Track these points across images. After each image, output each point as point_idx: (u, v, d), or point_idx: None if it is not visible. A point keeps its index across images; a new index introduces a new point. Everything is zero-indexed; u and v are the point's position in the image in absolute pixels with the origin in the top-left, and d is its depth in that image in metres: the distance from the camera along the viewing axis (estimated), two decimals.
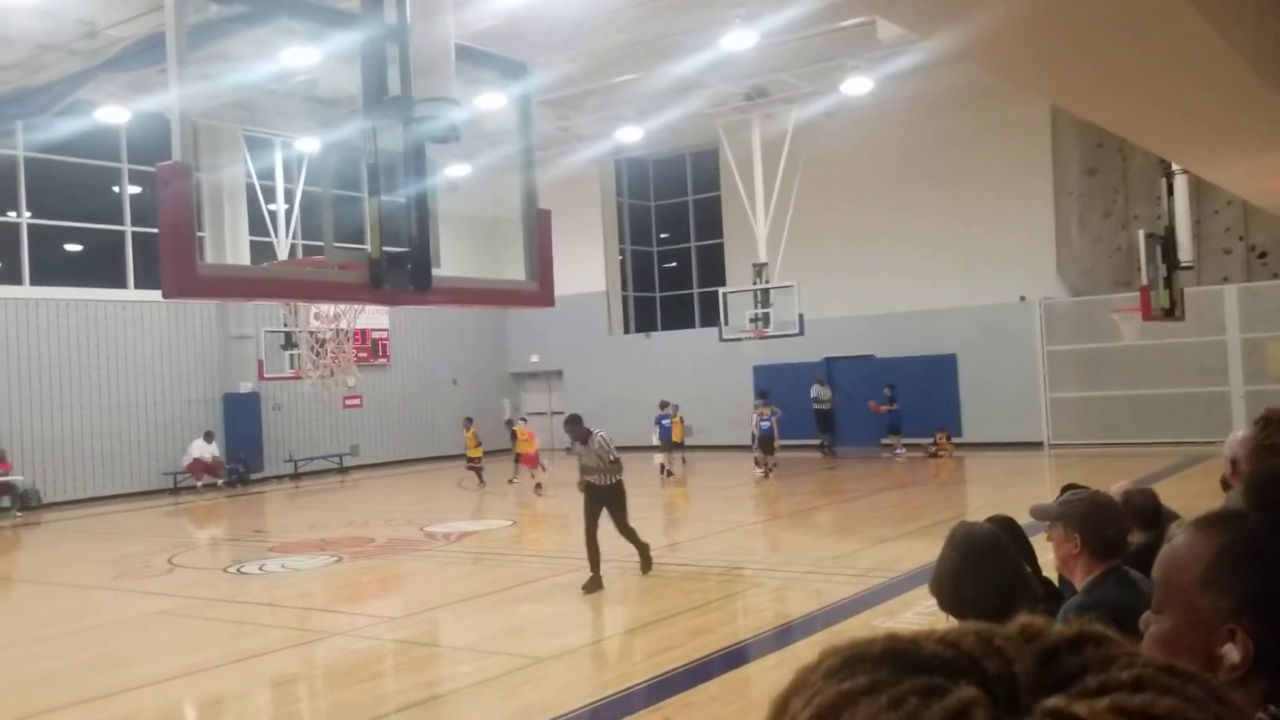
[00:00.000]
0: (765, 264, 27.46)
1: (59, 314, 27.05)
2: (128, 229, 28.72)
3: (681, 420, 27.96)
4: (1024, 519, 4.38)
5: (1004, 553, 3.90)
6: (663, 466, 27.13)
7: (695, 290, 37.82)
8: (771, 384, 29.15)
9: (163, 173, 4.42)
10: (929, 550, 5.46)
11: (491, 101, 21.99)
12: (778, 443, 25.57)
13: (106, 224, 28.68)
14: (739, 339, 27.68)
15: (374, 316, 31.53)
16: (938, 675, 0.70)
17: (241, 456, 29.99)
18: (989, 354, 29.55)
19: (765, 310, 26.80)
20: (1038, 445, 28.78)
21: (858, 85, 26.63)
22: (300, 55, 21.44)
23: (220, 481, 29.16)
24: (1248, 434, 4.79)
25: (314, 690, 10.50)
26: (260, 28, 17.70)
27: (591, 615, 12.54)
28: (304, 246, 28.89)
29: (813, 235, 30.33)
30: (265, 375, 28.27)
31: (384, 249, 5.01)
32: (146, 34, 19.03)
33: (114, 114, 25.07)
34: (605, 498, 13.60)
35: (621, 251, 38.33)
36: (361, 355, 29.25)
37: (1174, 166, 18.81)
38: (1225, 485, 5.68)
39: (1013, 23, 7.34)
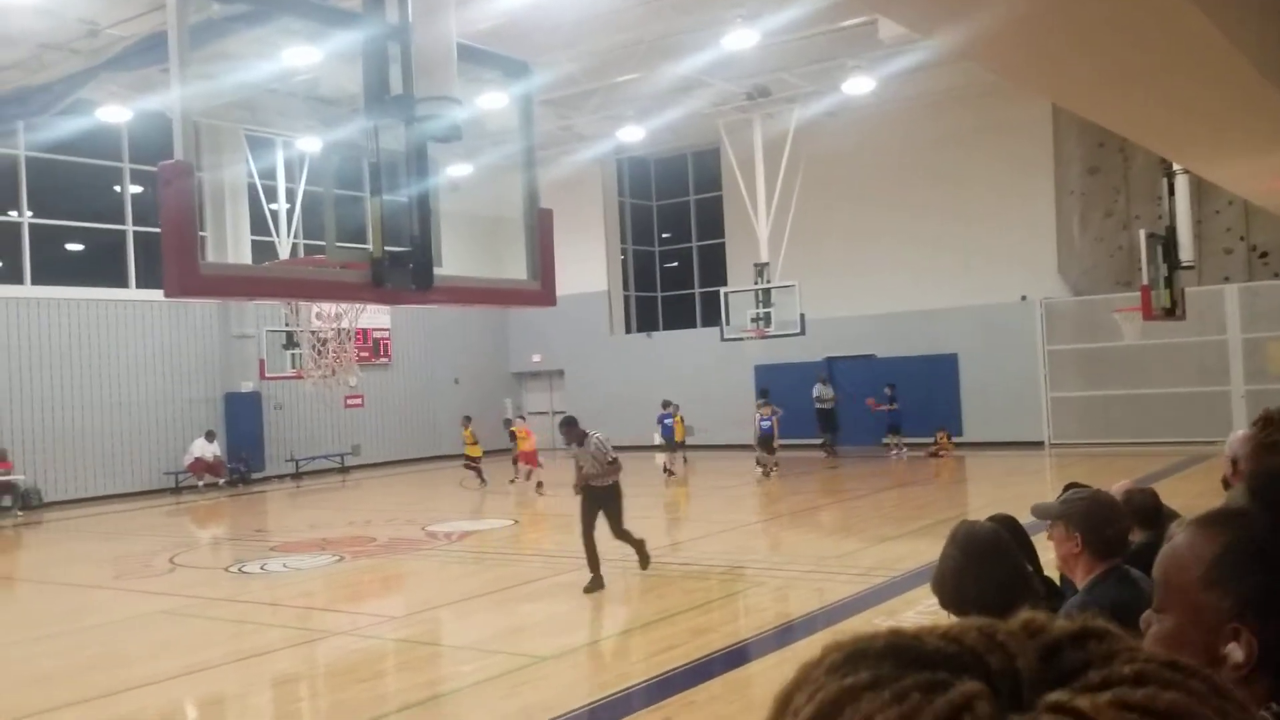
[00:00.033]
0: (767, 264, 27.47)
1: (60, 314, 27.06)
2: (129, 228, 28.73)
3: (682, 420, 27.97)
4: (1025, 518, 4.39)
5: (1006, 551, 3.90)
6: (666, 467, 27.13)
7: (697, 290, 37.82)
8: (773, 384, 29.14)
9: (165, 172, 4.42)
10: (930, 549, 5.46)
11: (493, 101, 22.00)
12: (778, 442, 25.57)
13: (108, 223, 28.69)
14: (740, 339, 27.69)
15: (375, 316, 31.53)
16: (941, 670, 0.70)
17: (243, 456, 30.00)
18: (990, 354, 29.55)
19: (767, 310, 26.81)
20: (1039, 445, 28.78)
21: (859, 85, 26.63)
22: (302, 54, 21.43)
23: (222, 481, 29.16)
24: (1248, 433, 4.80)
25: (315, 689, 10.51)
26: (262, 27, 17.69)
27: (593, 614, 12.54)
28: (305, 246, 28.89)
29: (814, 235, 30.35)
30: (267, 375, 28.29)
31: (386, 248, 5.02)
32: (148, 33, 19.03)
33: (115, 113, 25.06)
34: (602, 499, 13.55)
35: (623, 251, 38.33)
36: (363, 355, 29.27)
37: (1175, 166, 18.80)
38: (1226, 484, 5.68)
39: (1014, 22, 7.33)
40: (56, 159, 27.22)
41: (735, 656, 10.10)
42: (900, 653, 0.73)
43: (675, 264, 39.23)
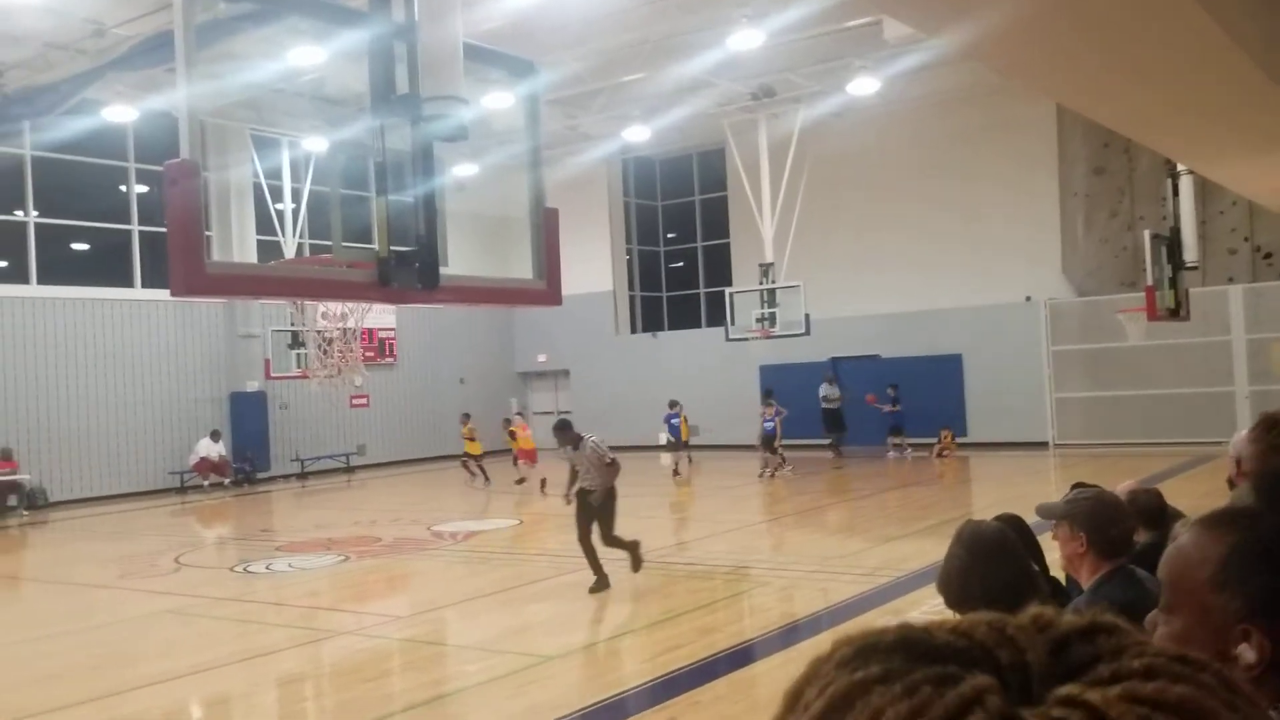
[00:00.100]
0: (772, 264, 27.46)
1: (66, 313, 27.08)
2: (134, 228, 28.75)
3: (686, 420, 27.96)
4: (1030, 518, 4.39)
5: (1011, 551, 3.90)
6: (676, 467, 27.13)
7: (702, 290, 37.82)
8: (778, 384, 29.14)
9: (171, 171, 4.44)
10: (936, 549, 5.46)
11: (499, 100, 22.00)
12: (779, 442, 25.53)
13: (113, 223, 28.71)
14: (745, 339, 27.68)
15: (381, 316, 31.51)
16: (951, 664, 0.70)
17: (248, 456, 30.02)
18: (995, 354, 29.52)
19: (771, 310, 26.79)
20: (1043, 445, 28.76)
21: (864, 85, 26.61)
22: (308, 54, 21.44)
23: (227, 481, 29.17)
24: (1252, 435, 4.79)
25: (320, 689, 10.52)
26: (268, 26, 17.72)
27: (598, 614, 12.53)
28: (311, 246, 28.92)
29: (819, 235, 30.36)
30: (272, 374, 28.33)
31: (392, 248, 5.03)
32: (154, 33, 19.03)
33: (121, 113, 25.06)
34: (597, 504, 13.40)
35: (628, 251, 38.30)
36: (368, 354, 29.29)
37: (1179, 167, 18.82)
38: (1231, 485, 5.68)
39: (1019, 21, 7.34)
40: (62, 159, 27.23)
41: (740, 656, 10.10)
42: (910, 647, 0.73)
43: (680, 264, 39.23)
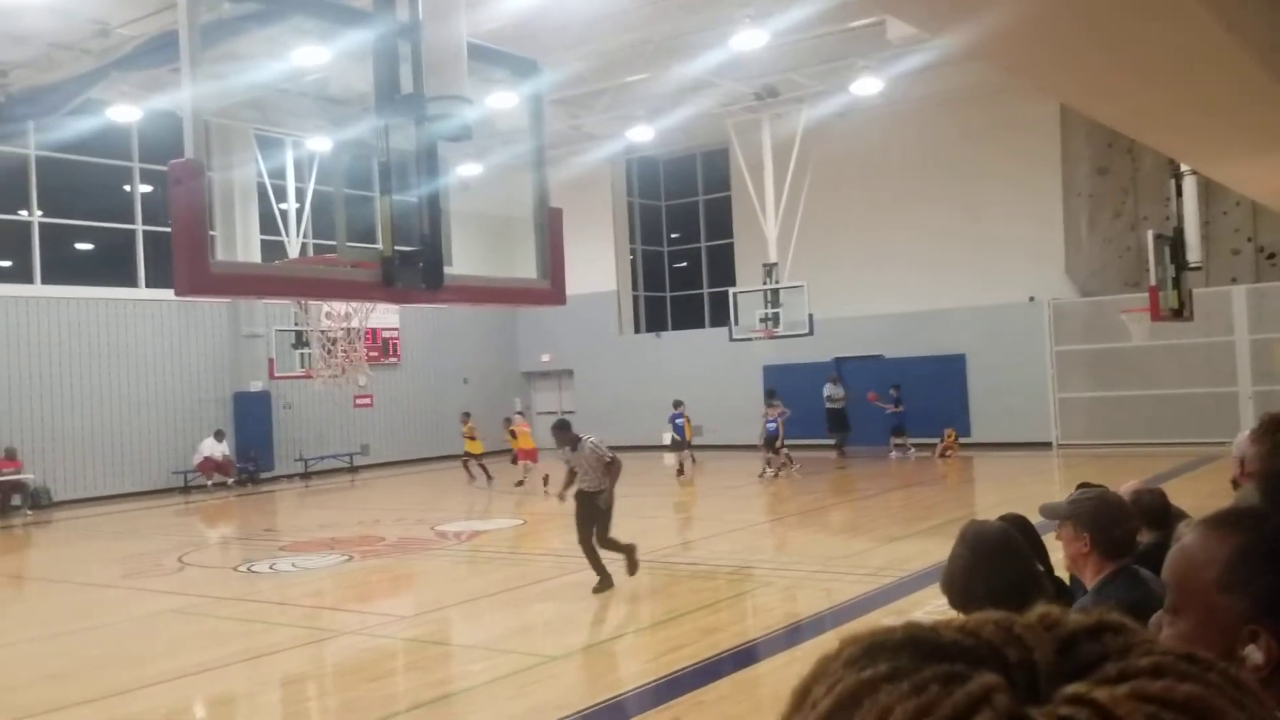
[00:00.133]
0: (775, 264, 27.49)
1: (70, 313, 27.10)
2: (139, 228, 28.77)
3: (689, 420, 27.95)
4: (1034, 519, 4.38)
5: (1015, 551, 3.90)
6: (682, 467, 27.13)
7: (705, 290, 37.84)
8: (781, 384, 29.13)
9: (175, 171, 4.44)
10: (939, 549, 5.46)
11: (503, 100, 22.02)
12: (780, 442, 25.50)
13: (118, 223, 28.74)
14: (749, 339, 27.70)
15: (385, 315, 31.50)
16: (958, 663, 0.71)
17: (252, 455, 30.04)
18: (998, 354, 29.52)
19: (775, 310, 26.81)
20: (1046, 445, 28.75)
21: (867, 85, 26.61)
22: (312, 54, 21.45)
23: (231, 480, 29.18)
24: (1255, 435, 4.80)
25: (324, 689, 10.52)
26: (272, 26, 17.73)
27: (601, 614, 12.53)
28: (314, 246, 28.96)
29: (822, 235, 30.37)
30: (276, 374, 28.37)
31: (396, 247, 5.03)
32: (158, 33, 19.05)
33: (125, 113, 25.09)
34: (605, 505, 13.33)
35: (632, 251, 38.31)
36: (372, 354, 29.30)
37: (1183, 167, 18.81)
38: (1235, 485, 5.68)
39: (1023, 21, 7.34)
40: (67, 158, 27.26)
41: (744, 656, 10.09)
42: (918, 645, 0.73)
43: (684, 264, 39.25)
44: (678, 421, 27.38)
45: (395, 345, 34.04)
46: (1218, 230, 27.56)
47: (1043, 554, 4.21)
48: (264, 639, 11.73)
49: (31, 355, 26.40)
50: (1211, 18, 7.38)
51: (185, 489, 28.61)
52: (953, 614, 3.30)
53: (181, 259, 4.45)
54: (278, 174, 28.84)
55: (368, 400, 32.73)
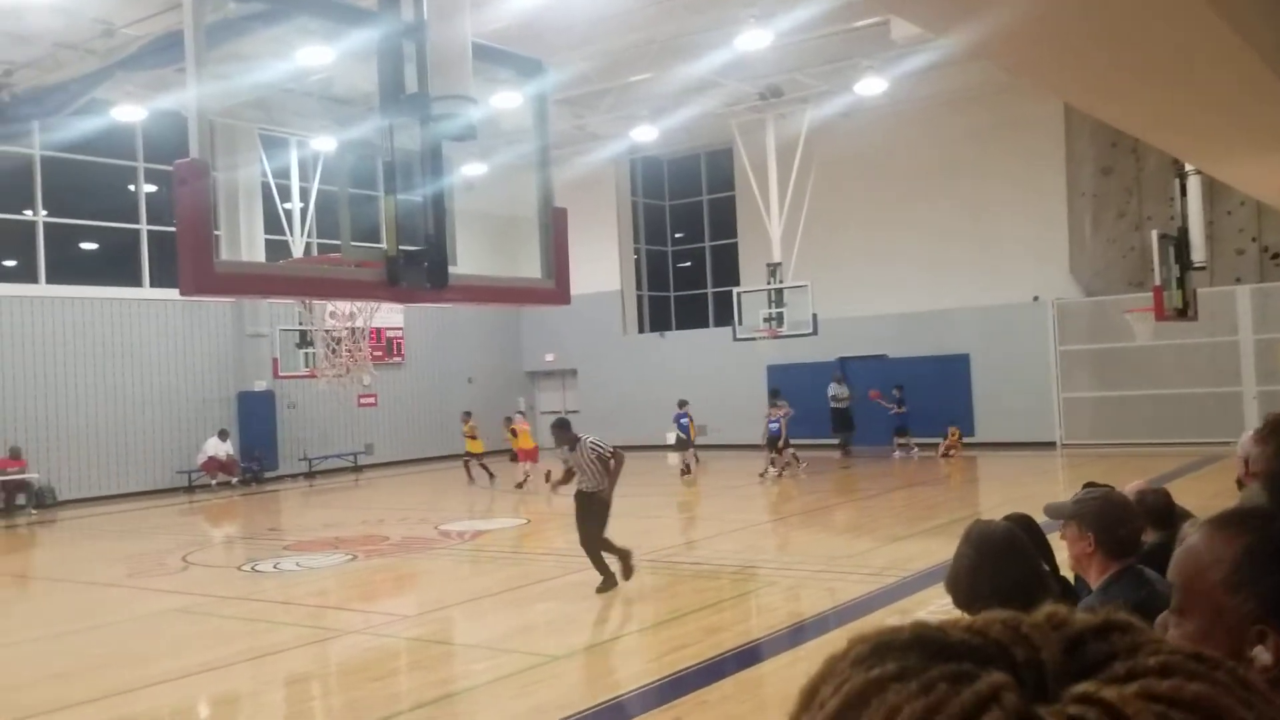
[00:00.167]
0: (779, 264, 27.50)
1: (75, 312, 27.13)
2: (143, 227, 28.80)
3: (692, 419, 27.96)
4: (1038, 518, 4.38)
5: (1020, 550, 3.90)
6: (687, 466, 27.14)
7: (709, 290, 37.83)
8: (785, 383, 29.11)
9: (180, 171, 4.45)
10: (943, 549, 5.46)
11: (508, 100, 22.03)
12: (784, 442, 25.48)
13: (122, 222, 28.76)
14: (753, 339, 27.72)
15: (389, 315, 31.52)
16: (966, 662, 0.71)
17: (256, 455, 30.05)
18: (1002, 354, 29.51)
19: (779, 310, 26.84)
20: (1050, 445, 28.73)
21: (871, 85, 26.61)
22: (317, 54, 21.47)
23: (235, 480, 29.19)
24: (1260, 435, 4.79)
25: (328, 688, 10.52)
26: (277, 26, 17.73)
27: (604, 614, 12.52)
28: (319, 245, 29.00)
29: (826, 235, 30.36)
30: (280, 374, 28.38)
31: (401, 247, 5.04)
32: (163, 33, 19.08)
33: (130, 113, 25.12)
34: (595, 505, 13.37)
35: (636, 251, 38.33)
36: (376, 354, 29.29)
37: (1187, 167, 18.79)
38: (1240, 485, 5.68)
39: (1029, 20, 7.33)
40: (71, 158, 27.29)
41: (747, 656, 10.09)
42: (926, 644, 0.73)
43: (688, 264, 39.25)
44: (682, 421, 27.40)
45: (399, 345, 34.06)
46: (1222, 230, 27.52)
47: (1048, 554, 4.20)
48: (268, 638, 11.74)
49: (36, 355, 26.42)
50: (1216, 16, 7.37)
51: (189, 488, 28.63)
52: (957, 614, 3.31)
53: (186, 259, 4.45)
54: (282, 174, 28.87)
55: (372, 400, 32.74)
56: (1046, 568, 4.09)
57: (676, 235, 39.47)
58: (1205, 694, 0.68)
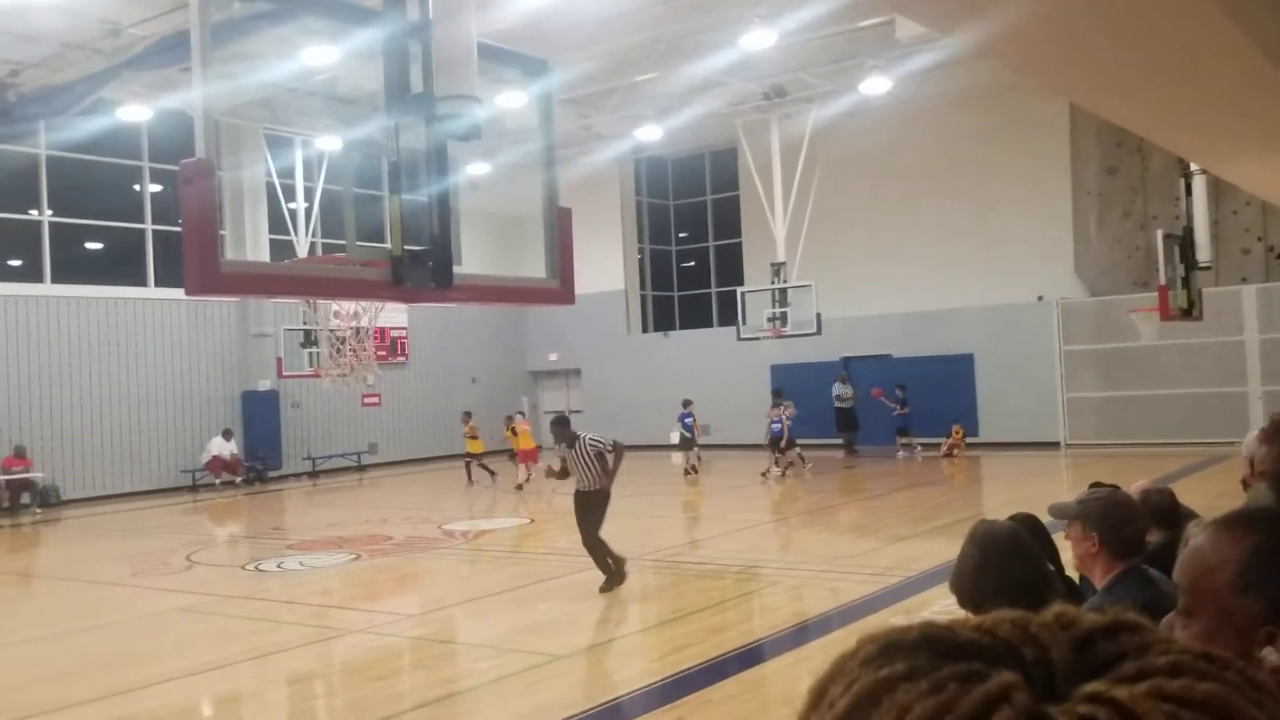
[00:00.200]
0: (783, 263, 27.48)
1: (80, 312, 27.15)
2: (148, 227, 28.82)
3: (696, 419, 27.95)
4: (1043, 518, 4.38)
5: (1025, 550, 3.89)
6: (692, 466, 27.13)
7: (713, 289, 37.82)
8: (789, 383, 29.09)
9: (186, 170, 4.45)
10: (947, 549, 5.46)
11: (513, 100, 22.05)
12: (787, 442, 25.45)
13: (127, 222, 28.78)
14: (757, 338, 27.71)
15: (393, 315, 31.55)
16: (975, 661, 0.70)
17: (260, 454, 30.07)
18: (1007, 354, 29.48)
19: (783, 309, 26.83)
20: (1055, 445, 28.70)
21: (876, 85, 26.61)
22: (322, 54, 21.49)
23: (239, 479, 29.22)
24: (1264, 435, 4.79)
25: (331, 687, 10.53)
26: (283, 26, 17.74)
27: (607, 613, 12.53)
28: (324, 245, 29.02)
29: (831, 235, 30.34)
30: (284, 373, 28.38)
31: (405, 246, 5.03)
32: (169, 33, 19.09)
33: (136, 112, 25.13)
34: (594, 500, 13.38)
35: (640, 250, 38.33)
36: (380, 353, 29.30)
37: (1193, 166, 18.76)
38: (1246, 485, 5.68)
39: (1035, 19, 7.32)
40: (77, 158, 27.31)
41: (750, 656, 10.09)
42: (935, 644, 0.73)
43: (692, 263, 39.24)
44: (686, 420, 27.40)
45: (403, 344, 34.07)
46: (1227, 229, 27.49)
47: (1053, 553, 4.20)
48: (271, 637, 11.75)
49: (41, 354, 26.45)
50: (1223, 14, 7.36)
51: (193, 487, 28.65)
52: (962, 614, 3.30)
53: (191, 258, 4.45)
54: (287, 173, 28.89)
55: (376, 399, 32.73)
56: (1051, 568, 4.08)
57: (681, 235, 39.47)
58: (1216, 693, 0.68)
